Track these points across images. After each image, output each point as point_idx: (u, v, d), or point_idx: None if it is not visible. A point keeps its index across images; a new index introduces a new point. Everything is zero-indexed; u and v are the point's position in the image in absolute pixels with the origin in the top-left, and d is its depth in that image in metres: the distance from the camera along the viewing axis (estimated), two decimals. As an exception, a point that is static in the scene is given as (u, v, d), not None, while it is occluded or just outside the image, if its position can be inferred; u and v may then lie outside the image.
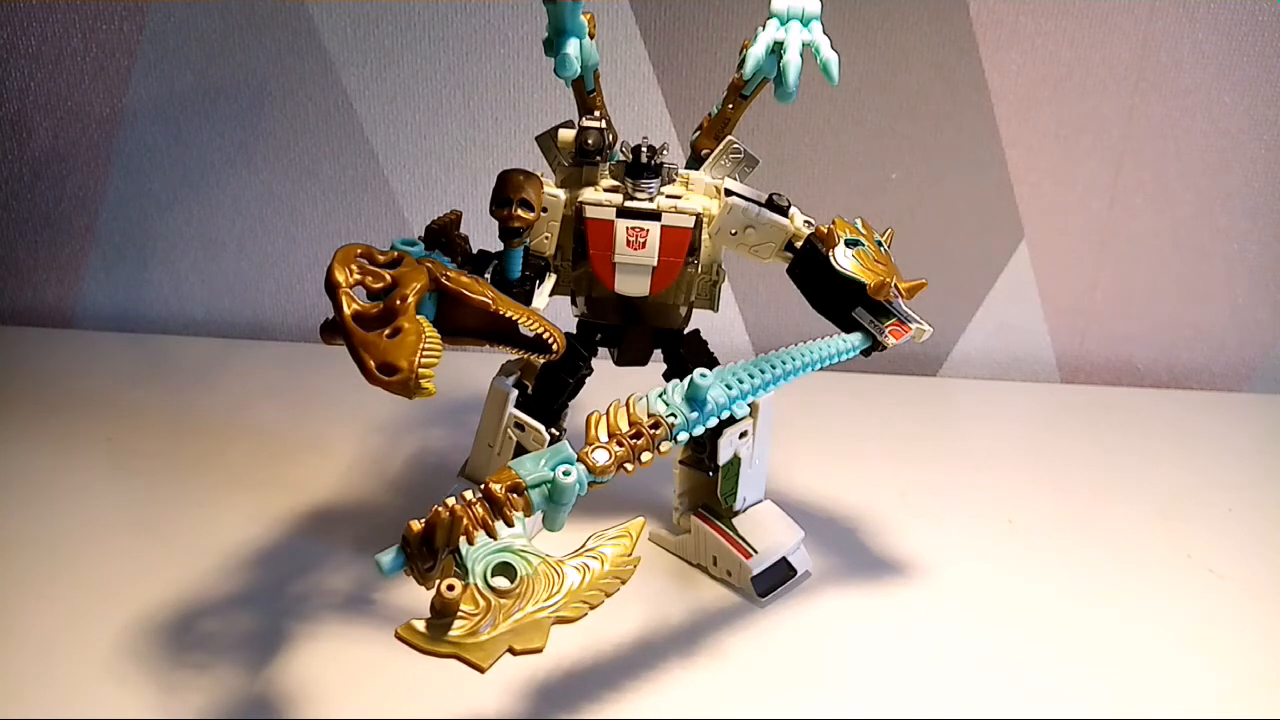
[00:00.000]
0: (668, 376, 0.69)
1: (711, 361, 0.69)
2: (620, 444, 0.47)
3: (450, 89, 1.04)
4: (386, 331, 0.45)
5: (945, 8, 1.01)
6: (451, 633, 0.41)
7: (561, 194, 0.64)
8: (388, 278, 0.47)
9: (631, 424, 0.48)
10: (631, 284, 0.64)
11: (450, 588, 0.41)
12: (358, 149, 1.06)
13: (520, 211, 0.57)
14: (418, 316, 0.46)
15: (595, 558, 0.45)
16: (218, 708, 0.55)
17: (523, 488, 0.45)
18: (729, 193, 0.64)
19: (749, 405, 0.59)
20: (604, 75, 0.64)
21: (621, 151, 0.63)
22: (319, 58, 1.02)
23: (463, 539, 0.43)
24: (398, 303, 0.46)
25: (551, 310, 0.58)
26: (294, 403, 0.95)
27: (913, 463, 0.90)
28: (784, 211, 0.64)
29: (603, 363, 0.71)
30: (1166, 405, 1.08)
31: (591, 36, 0.58)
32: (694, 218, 0.63)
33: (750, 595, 0.68)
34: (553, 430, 0.67)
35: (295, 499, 0.77)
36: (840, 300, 0.62)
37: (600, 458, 0.47)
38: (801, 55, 0.59)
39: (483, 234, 0.62)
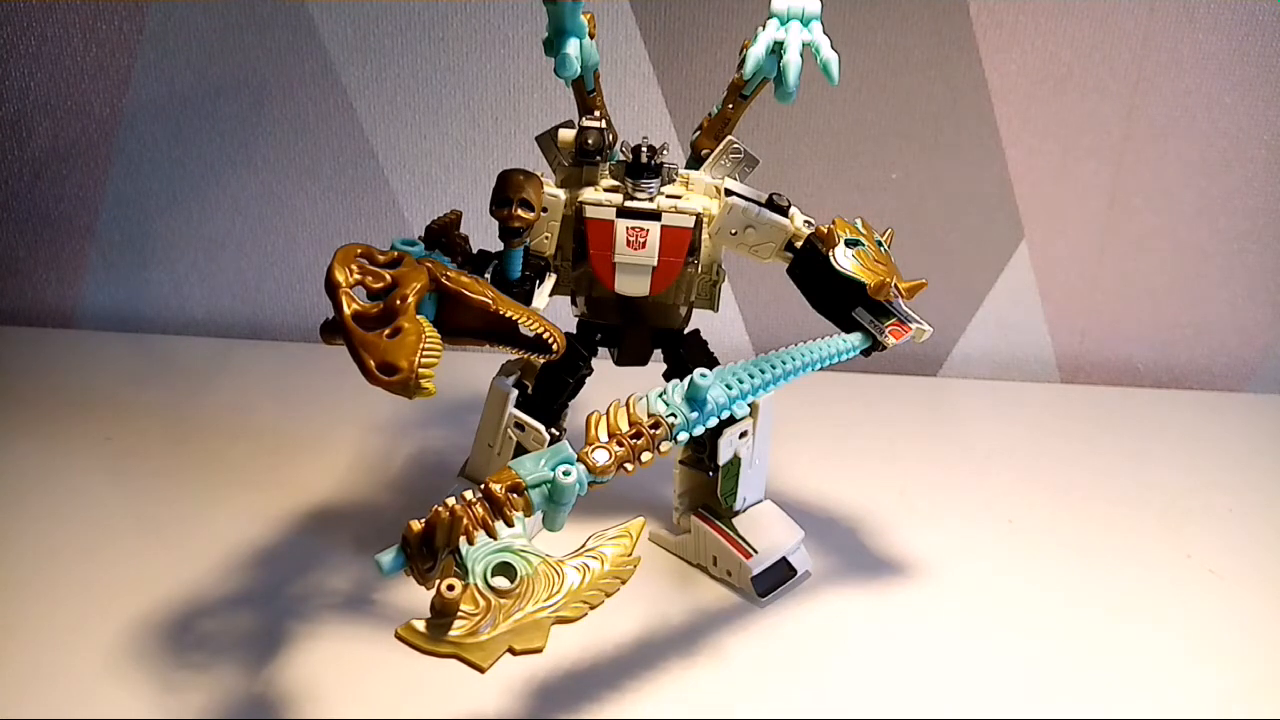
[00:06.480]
0: (668, 376, 0.69)
1: (711, 361, 0.69)
2: (620, 444, 0.47)
3: (450, 89, 1.04)
4: (386, 331, 0.45)
5: (945, 8, 1.01)
6: (451, 633, 0.41)
7: (561, 194, 0.64)
8: (388, 278, 0.47)
9: (631, 424, 0.48)
10: (631, 284, 0.64)
11: (450, 588, 0.41)
12: (358, 149, 1.06)
13: (520, 211, 0.57)
14: (418, 316, 0.46)
15: (595, 558, 0.45)
16: (218, 708, 0.55)
17: (523, 488, 0.45)
18: (729, 193, 0.64)
19: (749, 405, 0.59)
20: (604, 75, 0.64)
21: (621, 151, 0.63)
22: (319, 58, 1.02)
23: (463, 539, 0.43)
24: (398, 303, 0.46)
25: (551, 310, 0.58)
26: (294, 403, 0.94)
27: (913, 463, 0.90)
28: (784, 211, 0.64)
29: (603, 363, 0.71)
30: (1166, 405, 1.08)
31: (591, 36, 0.58)
32: (694, 218, 0.63)
33: (750, 595, 0.68)
34: (553, 430, 0.67)
35: (295, 499, 0.77)
36: (840, 300, 0.62)
37: (600, 458, 0.47)
38: (801, 55, 0.59)
39: (483, 234, 0.62)
